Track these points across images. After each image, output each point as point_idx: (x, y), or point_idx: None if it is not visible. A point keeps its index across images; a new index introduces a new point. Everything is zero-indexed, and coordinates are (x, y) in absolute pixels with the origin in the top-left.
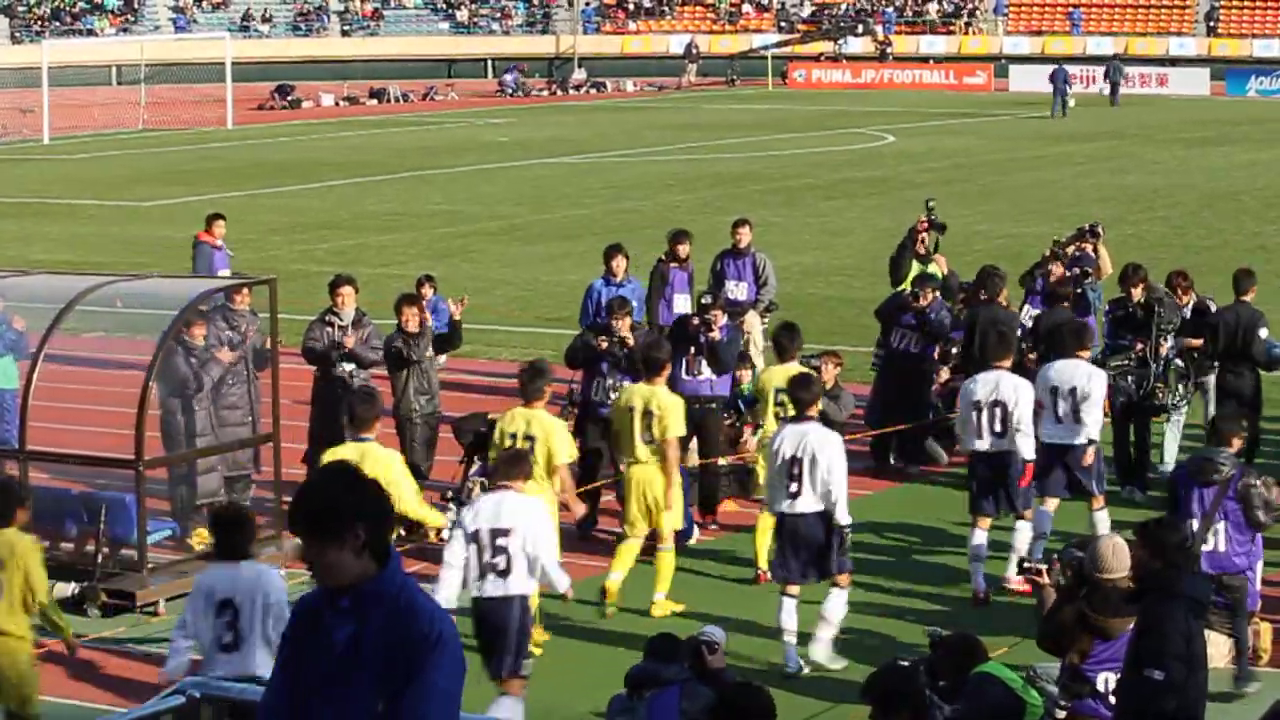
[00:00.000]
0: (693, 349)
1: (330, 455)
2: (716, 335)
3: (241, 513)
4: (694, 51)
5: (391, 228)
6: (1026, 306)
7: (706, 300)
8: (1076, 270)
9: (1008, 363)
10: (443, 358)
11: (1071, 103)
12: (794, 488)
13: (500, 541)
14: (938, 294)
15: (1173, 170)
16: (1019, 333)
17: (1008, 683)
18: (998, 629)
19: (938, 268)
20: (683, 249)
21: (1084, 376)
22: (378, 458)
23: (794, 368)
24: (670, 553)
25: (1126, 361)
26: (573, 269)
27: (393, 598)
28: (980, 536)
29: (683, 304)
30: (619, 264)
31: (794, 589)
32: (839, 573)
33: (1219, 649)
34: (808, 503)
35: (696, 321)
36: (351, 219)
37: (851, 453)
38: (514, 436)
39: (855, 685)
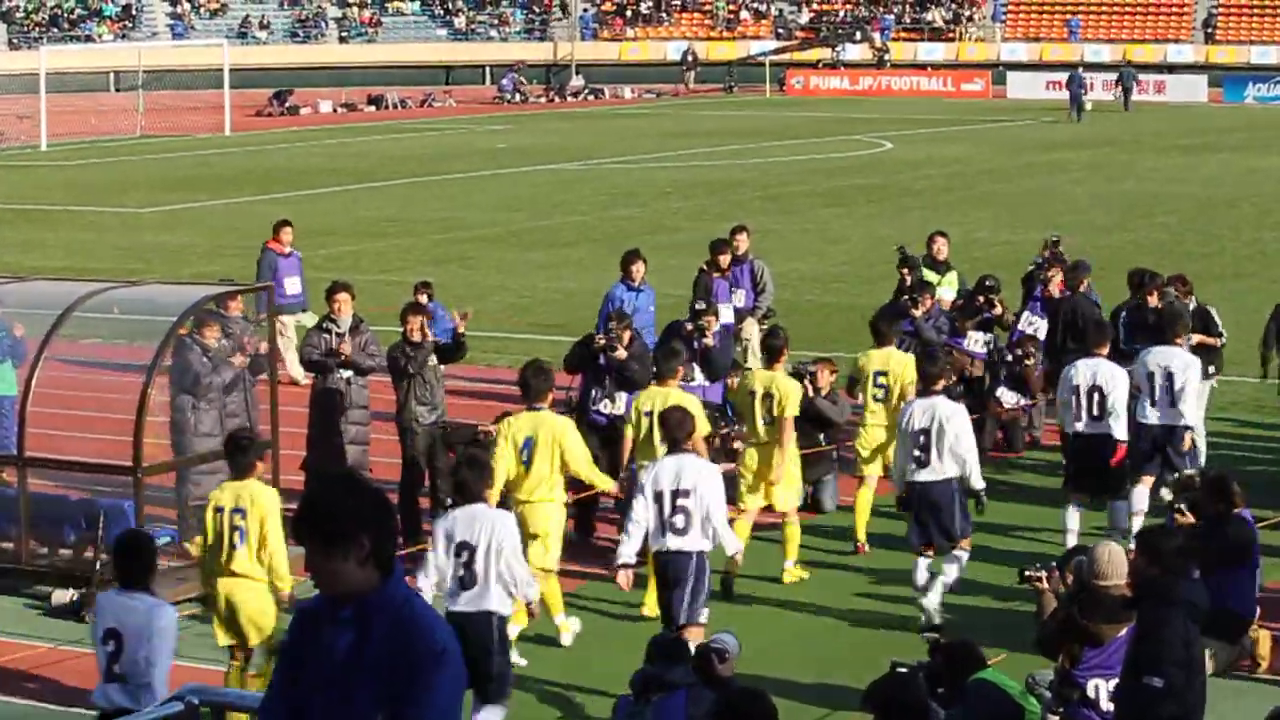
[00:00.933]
0: (686, 354)
1: (505, 424)
2: (710, 341)
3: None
4: (691, 58)
5: (389, 234)
6: (1025, 314)
7: (700, 306)
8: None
9: (1105, 349)
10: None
11: (1088, 106)
12: (923, 457)
13: (680, 501)
14: (935, 302)
15: (1171, 177)
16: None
17: (1006, 689)
18: (996, 636)
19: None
20: (724, 258)
21: (1181, 363)
22: (552, 424)
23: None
24: (795, 524)
25: None
26: (570, 276)
27: (395, 609)
28: (1074, 515)
29: (727, 313)
30: (638, 269)
31: (930, 551)
32: (962, 537)
33: (1218, 657)
34: (936, 470)
35: (690, 327)
36: (349, 225)
37: (846, 460)
38: (649, 414)
39: (854, 692)
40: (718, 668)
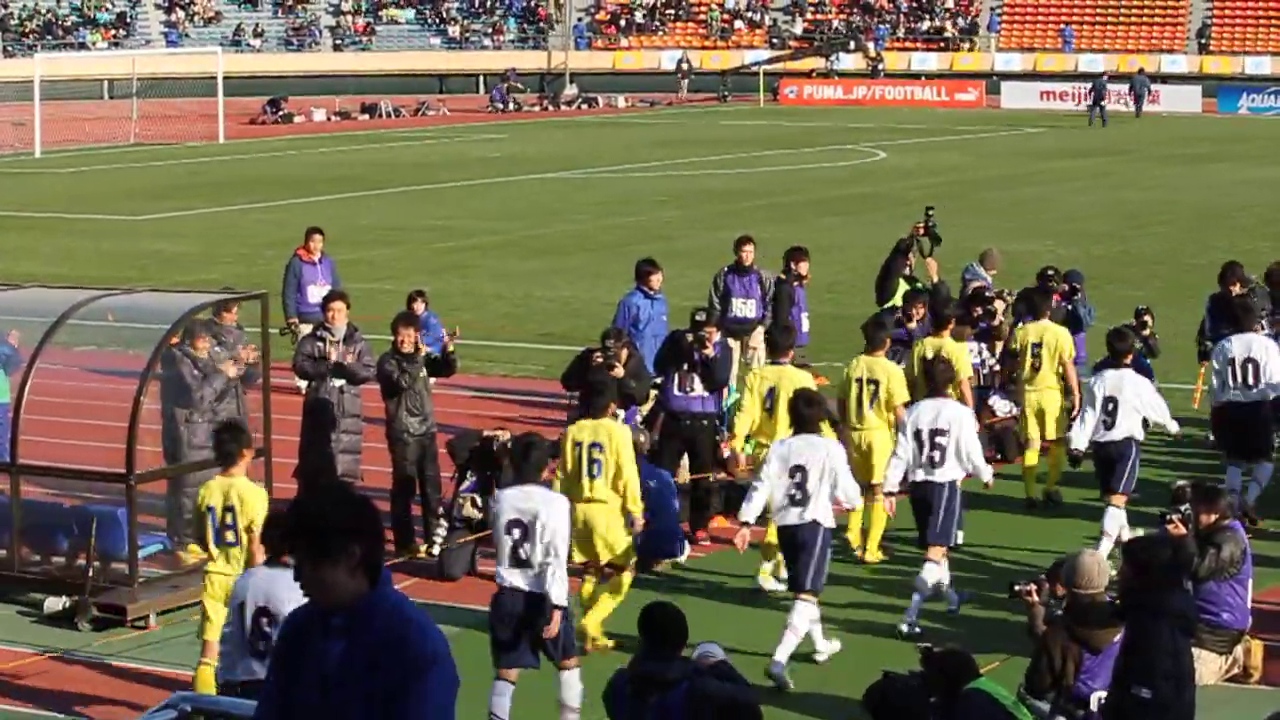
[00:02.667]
0: (685, 365)
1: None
2: (710, 352)
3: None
4: (685, 67)
5: (384, 243)
6: (1020, 325)
7: (701, 317)
8: (1066, 287)
9: (1258, 328)
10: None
11: (1123, 107)
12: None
13: (938, 439)
14: (928, 311)
15: (1166, 187)
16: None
17: (999, 700)
18: (989, 646)
19: (928, 273)
20: (803, 266)
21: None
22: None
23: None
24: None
25: None
26: (565, 285)
27: (386, 615)
28: (1236, 475)
29: (806, 323)
30: (657, 279)
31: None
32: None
33: (1209, 666)
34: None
35: (690, 338)
36: (343, 234)
37: None
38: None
39: (847, 702)
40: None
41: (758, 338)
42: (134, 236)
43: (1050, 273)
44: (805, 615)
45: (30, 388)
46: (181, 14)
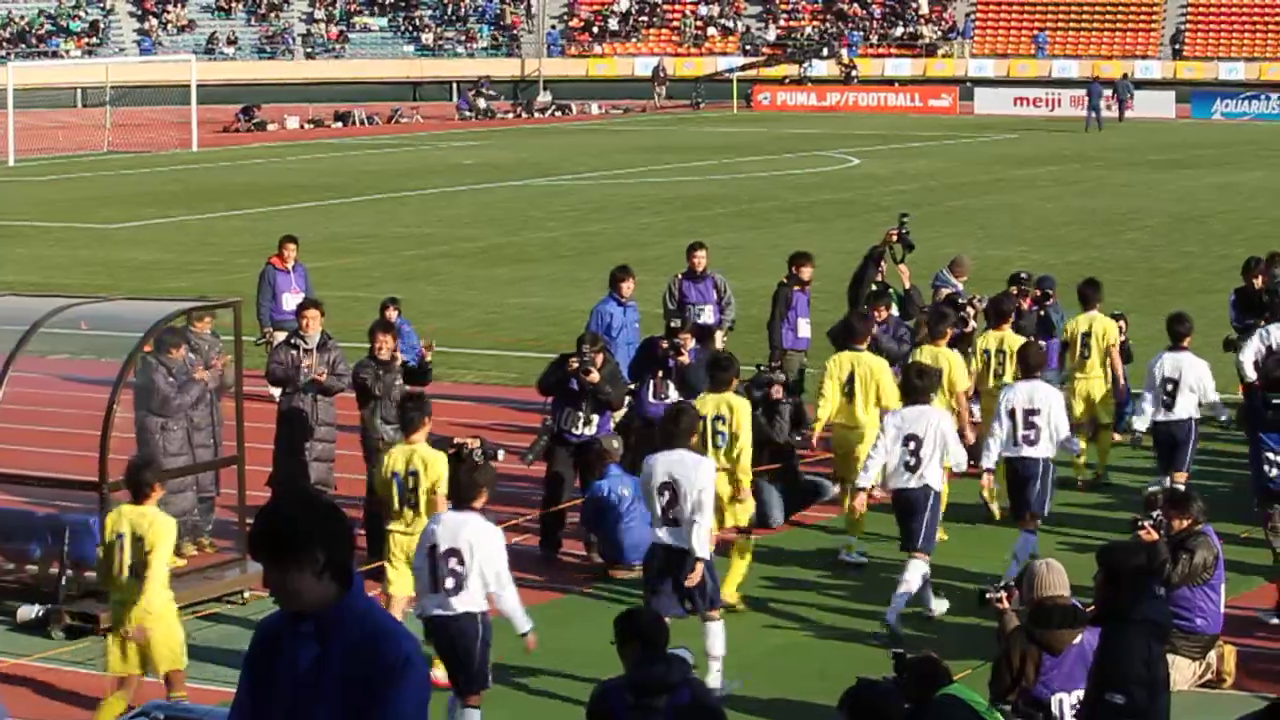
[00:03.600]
0: (660, 372)
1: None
2: (685, 359)
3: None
4: (661, 74)
5: (357, 250)
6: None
7: (675, 324)
8: (1039, 293)
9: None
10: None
11: (1109, 114)
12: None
13: (1032, 419)
14: (894, 314)
15: (1139, 193)
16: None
17: (972, 705)
18: (962, 651)
19: (900, 280)
20: (806, 271)
21: None
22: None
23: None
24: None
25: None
26: (538, 292)
27: (357, 620)
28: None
29: (806, 328)
30: (628, 286)
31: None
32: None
33: (1182, 672)
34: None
35: (665, 345)
36: (317, 242)
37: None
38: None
39: (819, 709)
40: None
41: (718, 342)
42: (107, 245)
43: (1023, 276)
44: (918, 572)
45: (3, 396)
46: (155, 22)
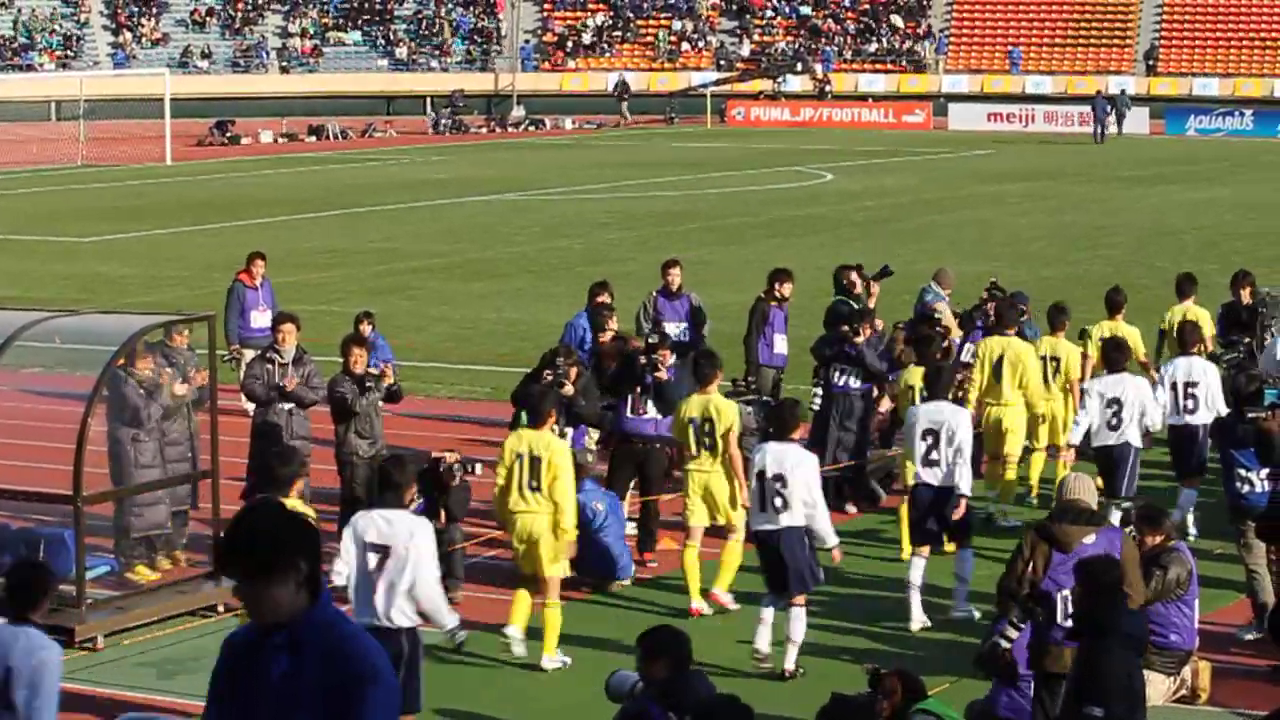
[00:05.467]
0: (639, 388)
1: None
2: (664, 375)
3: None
4: (623, 88)
5: (330, 265)
6: (968, 345)
7: (654, 340)
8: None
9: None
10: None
11: (1112, 129)
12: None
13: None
14: (876, 330)
15: (1112, 209)
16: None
17: None
18: (937, 666)
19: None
20: (786, 288)
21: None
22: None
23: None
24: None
25: (1237, 354)
26: (511, 306)
27: (328, 630)
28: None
29: (783, 344)
30: (605, 301)
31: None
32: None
33: (1157, 688)
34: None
35: (644, 361)
36: (290, 256)
37: None
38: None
39: None
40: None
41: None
42: (81, 258)
43: (993, 283)
44: (1116, 516)
45: None
46: (129, 36)
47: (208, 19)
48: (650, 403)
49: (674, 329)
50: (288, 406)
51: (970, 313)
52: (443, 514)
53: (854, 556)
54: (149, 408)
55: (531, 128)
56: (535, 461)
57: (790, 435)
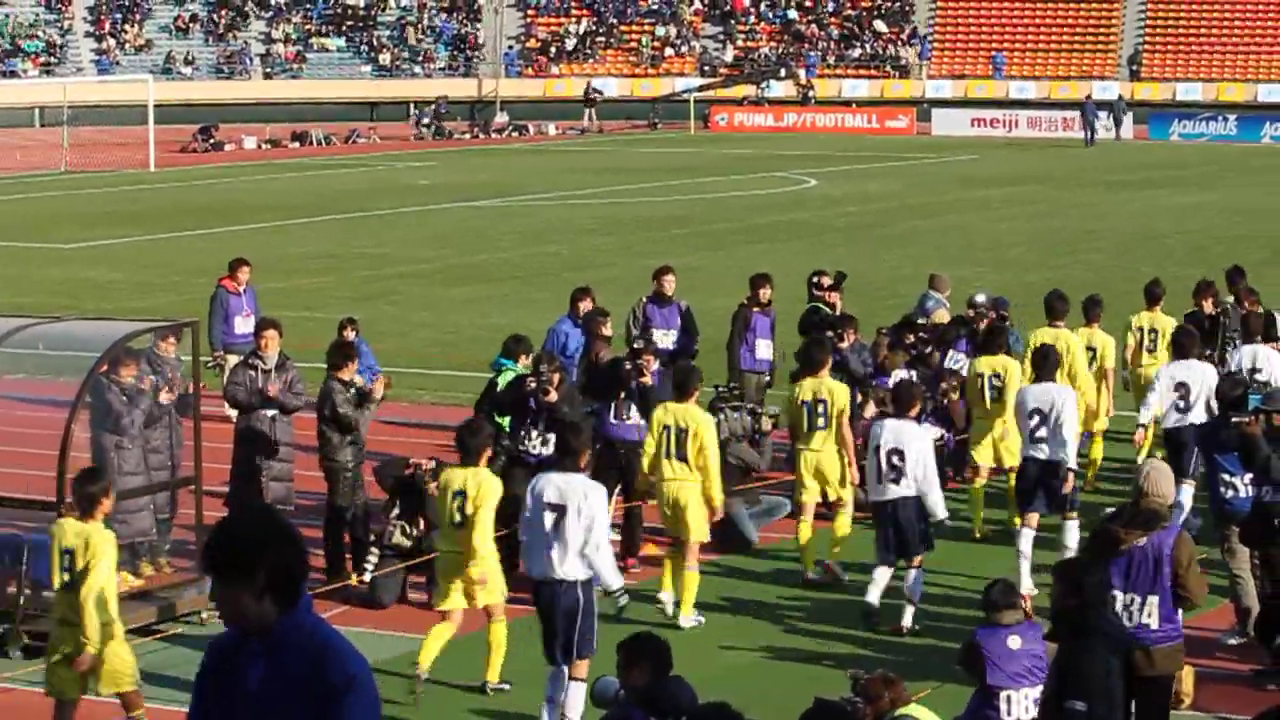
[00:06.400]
0: (623, 393)
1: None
2: (648, 380)
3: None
4: (594, 95)
5: (314, 271)
6: (951, 353)
7: (639, 345)
8: (993, 314)
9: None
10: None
11: (1107, 134)
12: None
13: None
14: (859, 336)
15: (1097, 214)
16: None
17: None
18: (920, 671)
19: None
20: (764, 292)
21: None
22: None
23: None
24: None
25: None
26: (496, 312)
27: (307, 637)
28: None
29: (766, 349)
30: (585, 306)
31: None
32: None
33: None
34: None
35: (629, 366)
36: (273, 262)
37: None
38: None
39: None
40: None
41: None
42: (65, 264)
43: (979, 300)
44: (1188, 493)
45: None
46: (112, 42)
47: (191, 25)
48: (634, 408)
49: (662, 336)
50: (271, 413)
51: (953, 325)
52: (422, 521)
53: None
54: (131, 414)
55: (515, 133)
56: (682, 433)
57: (909, 413)
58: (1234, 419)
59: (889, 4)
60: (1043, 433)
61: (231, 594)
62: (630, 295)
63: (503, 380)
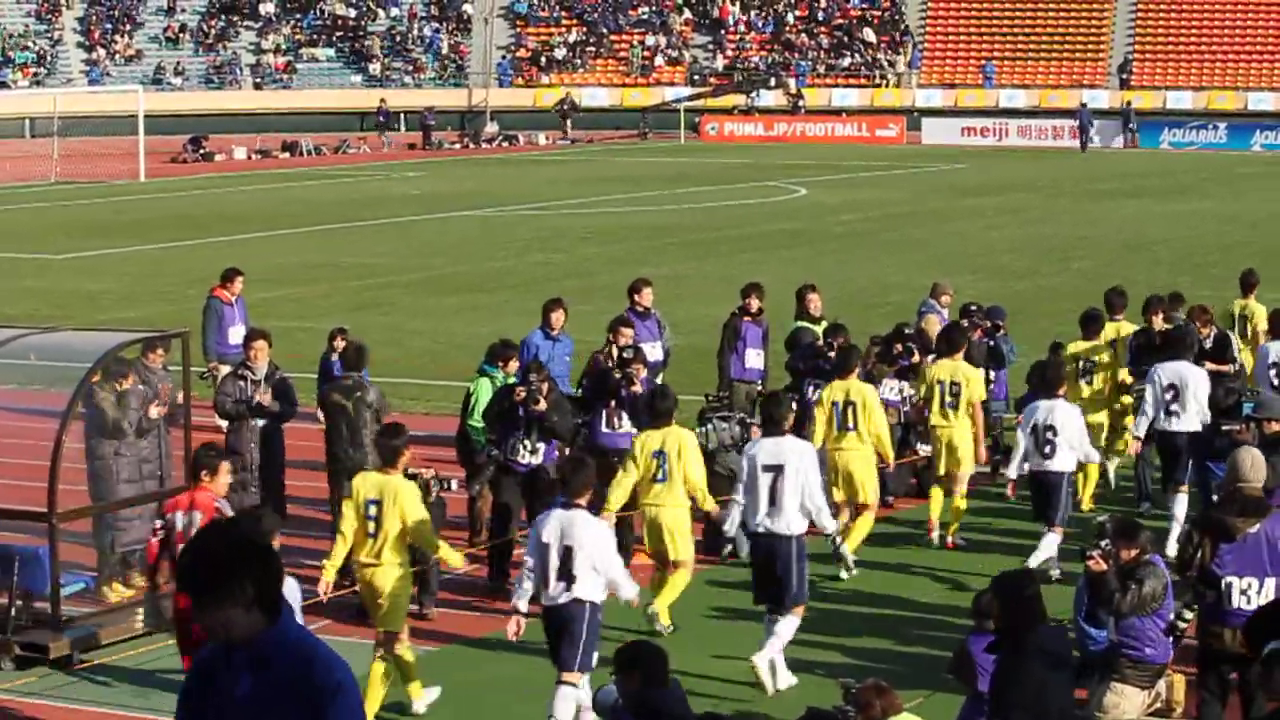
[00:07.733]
0: (613, 402)
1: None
2: (638, 389)
3: None
4: (567, 106)
5: (305, 280)
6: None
7: (629, 354)
8: (988, 323)
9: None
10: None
11: (1096, 140)
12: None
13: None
14: (849, 341)
15: (1087, 222)
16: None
17: None
18: (911, 680)
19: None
20: (754, 302)
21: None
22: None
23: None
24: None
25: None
26: (486, 322)
27: (289, 648)
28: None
29: (756, 359)
30: (557, 318)
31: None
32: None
33: (1132, 701)
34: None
35: (618, 375)
36: (264, 272)
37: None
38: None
39: None
40: None
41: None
42: (56, 275)
43: (973, 308)
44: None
45: None
46: (102, 52)
47: (181, 35)
48: (625, 417)
49: (648, 348)
50: (260, 423)
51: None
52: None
53: (828, 571)
54: (125, 416)
55: (505, 143)
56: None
57: (1056, 393)
58: (1225, 427)
59: (879, 13)
60: (1176, 407)
61: (220, 612)
62: (622, 305)
63: (480, 389)
